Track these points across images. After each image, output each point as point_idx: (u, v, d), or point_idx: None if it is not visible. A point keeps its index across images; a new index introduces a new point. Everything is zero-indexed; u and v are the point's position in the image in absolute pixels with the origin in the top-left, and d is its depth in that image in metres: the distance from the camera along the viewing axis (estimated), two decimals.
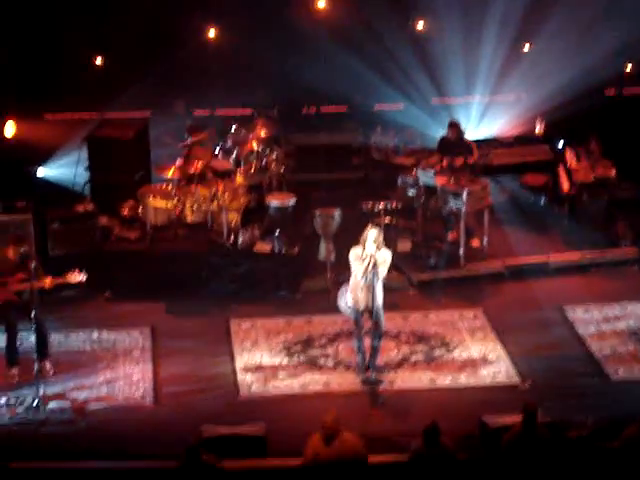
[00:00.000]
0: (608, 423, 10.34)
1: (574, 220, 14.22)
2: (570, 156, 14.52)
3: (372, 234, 11.18)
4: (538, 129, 15.17)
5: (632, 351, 11.86)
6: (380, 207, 13.40)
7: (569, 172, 14.44)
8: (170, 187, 13.52)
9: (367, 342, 11.47)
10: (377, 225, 11.97)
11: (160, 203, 13.50)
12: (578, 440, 10.03)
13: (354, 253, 11.24)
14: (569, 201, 14.39)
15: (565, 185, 14.43)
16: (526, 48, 15.90)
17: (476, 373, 11.61)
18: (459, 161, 13.72)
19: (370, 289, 11.14)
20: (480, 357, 11.88)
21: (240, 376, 11.64)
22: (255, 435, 10.08)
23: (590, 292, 13.06)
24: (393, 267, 11.66)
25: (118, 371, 11.74)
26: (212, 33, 15.88)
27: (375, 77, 15.38)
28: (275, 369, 11.75)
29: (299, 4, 15.51)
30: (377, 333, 11.40)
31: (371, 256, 11.10)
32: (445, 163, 13.80)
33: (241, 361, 11.90)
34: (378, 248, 11.18)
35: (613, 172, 14.26)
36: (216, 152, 14.07)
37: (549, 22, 15.31)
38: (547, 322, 12.43)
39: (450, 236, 13.75)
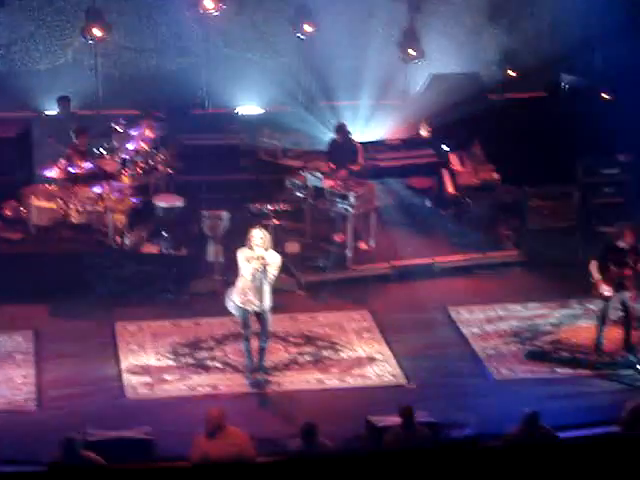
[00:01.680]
0: (490, 423, 10.57)
1: (458, 223, 14.47)
2: (454, 160, 14.78)
3: (258, 235, 11.19)
4: (423, 133, 15.38)
5: (514, 351, 12.12)
6: (268, 209, 13.42)
7: (453, 175, 14.69)
8: (54, 188, 13.29)
9: (255, 344, 11.48)
10: (264, 226, 11.99)
11: (44, 204, 13.26)
12: (460, 440, 10.21)
13: (242, 254, 11.24)
14: (453, 204, 14.63)
15: (450, 188, 14.68)
16: (411, 52, 16.12)
17: (363, 374, 11.72)
18: (344, 172, 13.84)
19: (258, 290, 11.16)
20: (367, 358, 11.99)
21: (126, 379, 11.51)
22: (141, 438, 9.98)
23: (474, 293, 13.30)
24: (282, 269, 11.68)
25: (0, 374, 11.49)
26: (98, 32, 15.66)
27: (262, 80, 15.39)
28: (162, 372, 11.65)
29: (186, 4, 15.41)
30: (265, 335, 11.42)
31: (260, 257, 11.12)
32: (332, 168, 13.92)
33: (127, 364, 11.77)
34: (266, 249, 11.20)
35: (496, 176, 14.56)
36: (102, 152, 13.88)
37: (433, 28, 15.54)
38: (432, 323, 12.62)
39: (338, 238, 13.86)
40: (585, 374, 11.67)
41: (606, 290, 11.55)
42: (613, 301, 11.70)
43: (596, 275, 11.58)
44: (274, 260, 11.26)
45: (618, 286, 11.58)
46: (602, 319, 11.79)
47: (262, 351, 11.44)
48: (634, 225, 11.78)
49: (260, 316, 11.34)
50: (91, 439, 9.60)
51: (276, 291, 11.76)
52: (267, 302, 11.27)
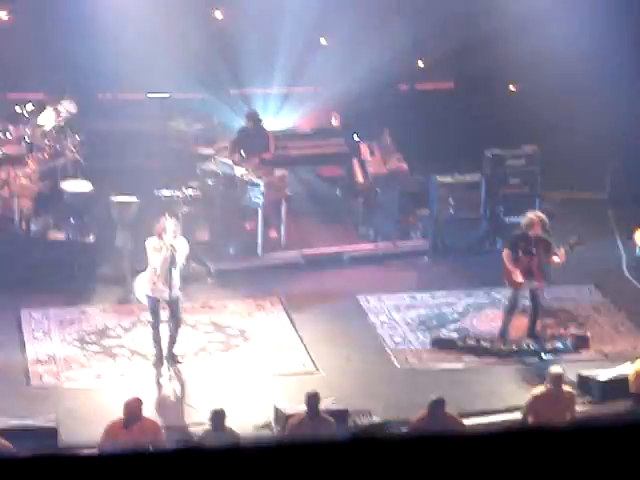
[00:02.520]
0: (397, 410, 10.69)
1: (368, 212, 14.56)
2: (364, 149, 14.86)
3: (169, 224, 11.13)
4: (334, 122, 15.42)
5: (421, 339, 12.25)
6: (179, 195, 13.33)
7: (363, 165, 14.77)
8: None
9: (165, 332, 11.41)
10: (174, 214, 11.91)
11: None
12: (366, 427, 10.31)
13: (151, 243, 11.16)
14: (363, 193, 14.72)
15: (360, 178, 14.76)
16: (323, 41, 16.14)
17: (273, 361, 11.73)
18: (255, 160, 13.81)
19: (167, 279, 11.10)
20: (276, 346, 12.01)
21: (31, 367, 11.34)
22: (46, 427, 9.86)
23: (383, 282, 13.41)
24: (191, 256, 11.64)
25: None
26: (3, 15, 15.36)
27: (173, 65, 15.24)
28: (68, 360, 11.52)
29: None
30: (175, 323, 11.36)
31: (169, 245, 11.05)
32: (239, 157, 13.87)
33: (32, 351, 11.59)
34: (175, 237, 11.15)
35: (405, 165, 14.69)
36: (7, 136, 13.61)
37: (345, 15, 15.56)
38: (342, 311, 12.69)
39: (248, 226, 13.83)
40: (490, 362, 11.86)
41: (519, 277, 11.75)
42: (521, 290, 11.91)
43: (509, 263, 11.77)
44: (182, 248, 11.21)
45: (526, 275, 11.79)
46: (510, 308, 12.00)
47: (172, 339, 11.38)
48: (541, 215, 12.00)
49: (170, 304, 11.28)
50: None
51: (186, 279, 11.71)
52: (176, 290, 11.21)
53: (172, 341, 11.42)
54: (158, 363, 11.39)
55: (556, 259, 11.74)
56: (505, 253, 11.86)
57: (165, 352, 11.38)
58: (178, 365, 11.40)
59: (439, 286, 13.27)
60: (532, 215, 11.92)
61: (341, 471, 3.73)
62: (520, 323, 12.20)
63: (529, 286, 11.89)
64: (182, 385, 11.25)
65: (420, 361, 11.88)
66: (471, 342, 12.05)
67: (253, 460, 3.65)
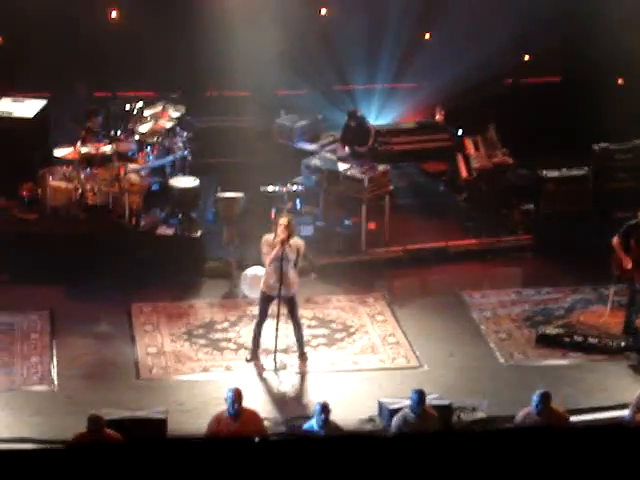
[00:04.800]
0: (502, 406, 10.63)
1: (472, 207, 14.48)
2: (468, 144, 14.78)
3: (283, 220, 11.24)
4: (438, 117, 15.36)
5: (526, 336, 12.16)
6: (283, 191, 13.46)
7: (467, 160, 14.69)
8: (71, 169, 13.36)
9: (269, 327, 11.54)
10: (288, 212, 12.03)
11: (60, 184, 13.33)
12: (470, 423, 10.28)
13: (266, 239, 11.29)
14: (467, 188, 14.64)
15: (464, 172, 14.68)
16: (427, 37, 16.10)
17: (376, 356, 11.78)
18: (345, 151, 13.88)
19: (284, 276, 11.19)
20: (380, 341, 12.05)
21: (141, 360, 11.60)
22: (155, 418, 10.08)
23: (487, 278, 13.34)
24: (304, 254, 11.74)
25: (16, 354, 11.61)
26: (114, 14, 15.71)
27: (278, 62, 15.38)
28: (177, 353, 11.75)
29: None
30: (293, 321, 11.44)
31: (282, 242, 11.15)
32: (344, 148, 13.96)
33: (142, 345, 11.86)
34: (290, 235, 11.24)
35: (510, 160, 14.56)
36: (118, 134, 13.93)
37: (449, 11, 15.50)
38: (445, 307, 12.66)
39: (352, 222, 13.88)
40: (598, 358, 11.71)
41: (629, 264, 11.56)
42: (633, 281, 11.71)
43: (619, 250, 11.60)
44: (298, 245, 11.32)
45: (637, 265, 11.61)
46: (629, 301, 11.81)
47: (298, 339, 11.45)
48: None
49: (288, 302, 11.38)
50: (107, 418, 9.70)
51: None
52: (291, 288, 11.31)
53: (299, 340, 11.50)
54: (253, 358, 11.50)
55: None
56: (615, 241, 11.70)
57: (298, 350, 11.47)
58: (284, 360, 11.48)
59: (544, 282, 13.13)
60: None
61: (447, 464, 3.76)
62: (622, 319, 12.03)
63: (638, 277, 11.68)
64: (287, 379, 11.36)
65: (525, 357, 11.79)
66: (578, 338, 11.91)
67: (359, 451, 3.71)
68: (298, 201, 13.51)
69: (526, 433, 3.76)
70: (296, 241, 11.31)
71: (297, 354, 11.52)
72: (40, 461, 4.01)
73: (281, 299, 11.30)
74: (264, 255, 11.27)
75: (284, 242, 11.12)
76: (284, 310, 11.43)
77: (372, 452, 3.90)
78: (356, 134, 14.22)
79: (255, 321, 11.60)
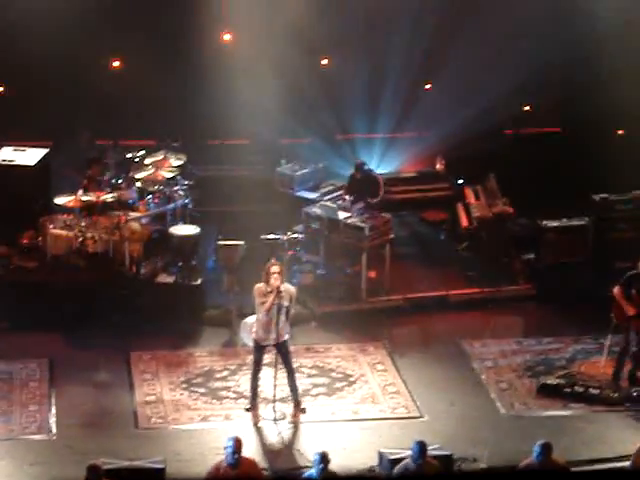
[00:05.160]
0: (503, 457, 10.55)
1: (472, 256, 14.49)
2: (469, 193, 14.82)
3: (275, 268, 11.24)
4: (438, 166, 15.43)
5: (527, 386, 12.10)
6: (284, 239, 13.48)
7: (468, 209, 14.72)
8: (71, 217, 13.39)
9: (266, 375, 11.48)
10: (279, 259, 12.04)
11: (60, 232, 13.34)
12: (473, 473, 10.20)
13: (258, 289, 11.27)
14: (468, 237, 14.65)
15: (464, 222, 14.71)
16: (427, 87, 16.22)
17: (376, 406, 11.72)
18: (360, 205, 13.90)
19: (276, 324, 11.17)
20: (380, 390, 12.00)
21: (140, 408, 11.54)
22: (154, 467, 10.01)
23: (488, 327, 13.29)
24: (296, 300, 11.73)
25: (14, 402, 11.55)
26: (117, 63, 15.83)
27: (280, 111, 15.48)
28: (175, 402, 11.69)
29: (205, 36, 15.55)
30: (287, 369, 11.41)
31: (275, 290, 11.14)
32: (348, 200, 13.99)
33: (141, 393, 11.80)
34: (282, 282, 11.24)
35: (510, 209, 14.59)
36: (119, 182, 13.97)
37: (449, 62, 15.63)
38: (446, 356, 12.62)
39: (353, 270, 13.87)
40: (599, 409, 11.64)
41: (631, 311, 11.56)
42: (632, 329, 11.70)
43: (620, 298, 11.60)
44: (290, 292, 11.30)
45: (637, 315, 11.61)
46: (621, 350, 11.80)
47: (292, 387, 11.41)
48: None
49: (280, 349, 11.35)
50: (106, 467, 9.63)
51: (291, 322, 11.78)
52: (283, 335, 11.29)
53: (293, 389, 11.45)
54: (252, 408, 11.43)
55: None
56: (617, 290, 11.70)
57: (292, 399, 11.42)
58: (301, 414, 11.42)
59: (546, 332, 13.10)
60: None
61: None
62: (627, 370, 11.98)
63: (637, 327, 11.67)
64: (286, 428, 11.29)
65: (526, 407, 11.73)
66: (579, 389, 11.85)
67: None
68: (299, 249, 13.53)
69: (527, 476, 3.72)
70: (288, 288, 11.30)
71: (292, 403, 11.46)
72: None
73: (274, 347, 11.27)
74: (258, 305, 11.24)
75: (279, 290, 11.11)
76: (279, 358, 11.39)
77: None
78: (363, 185, 14.26)
79: (251, 371, 11.54)
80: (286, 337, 11.34)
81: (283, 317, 11.24)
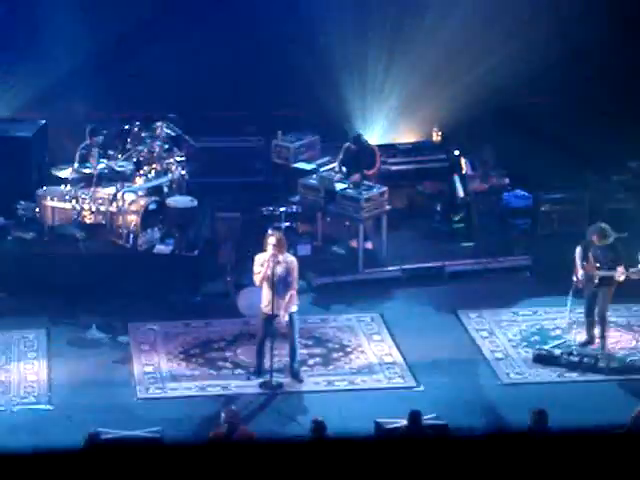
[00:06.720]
0: (499, 426, 10.63)
1: (469, 227, 14.51)
2: (465, 165, 14.83)
3: (272, 239, 11.27)
4: (435, 137, 15.42)
5: (523, 355, 12.17)
6: (281, 211, 13.49)
7: (464, 180, 14.74)
8: (69, 188, 13.40)
9: (267, 346, 11.55)
10: (279, 230, 12.06)
11: (58, 204, 13.36)
12: (470, 442, 10.27)
13: (259, 259, 11.31)
14: (464, 208, 14.67)
15: (460, 193, 14.72)
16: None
17: (372, 376, 11.79)
18: (357, 176, 13.90)
19: (278, 294, 11.21)
20: (377, 361, 12.06)
21: (137, 379, 11.60)
22: (152, 437, 10.07)
23: (484, 298, 13.35)
24: (297, 271, 11.75)
25: (12, 372, 11.61)
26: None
27: (275, 82, 15.43)
28: (173, 372, 11.74)
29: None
30: (289, 338, 11.45)
31: (276, 261, 11.17)
32: (344, 172, 13.97)
33: (139, 364, 11.86)
34: (282, 253, 11.27)
35: (507, 180, 14.60)
36: (116, 153, 13.96)
37: (446, 29, 15.48)
38: (442, 326, 12.68)
39: (350, 242, 13.91)
40: (594, 378, 11.72)
41: (578, 275, 11.81)
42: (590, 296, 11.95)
43: (577, 259, 11.85)
44: (289, 263, 11.34)
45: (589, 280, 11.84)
46: (586, 310, 12.08)
47: (291, 356, 11.48)
48: (601, 226, 11.92)
49: (278, 320, 11.37)
50: (105, 437, 9.69)
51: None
52: (283, 305, 11.32)
53: (292, 358, 11.51)
54: (256, 376, 11.52)
55: (616, 274, 11.65)
56: (577, 249, 11.82)
57: (291, 368, 11.49)
58: (298, 383, 11.49)
59: (541, 302, 13.15)
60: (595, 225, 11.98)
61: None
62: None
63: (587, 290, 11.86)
64: (283, 398, 11.36)
65: (522, 377, 11.80)
66: (574, 358, 11.93)
67: (353, 462, 3.73)
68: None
69: (523, 438, 3.78)
70: (287, 258, 11.34)
71: (290, 373, 11.52)
72: (42, 465, 4.04)
73: (275, 317, 11.33)
74: (255, 274, 11.31)
75: (274, 260, 11.15)
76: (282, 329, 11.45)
77: (369, 459, 3.92)
78: (359, 157, 14.24)
79: (256, 340, 11.61)
80: (290, 308, 11.38)
81: (284, 288, 11.26)
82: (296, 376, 11.52)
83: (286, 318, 11.34)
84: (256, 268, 11.31)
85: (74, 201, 13.28)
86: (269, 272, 11.18)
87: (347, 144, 14.34)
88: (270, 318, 11.36)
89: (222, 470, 3.55)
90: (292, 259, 11.42)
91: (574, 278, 11.96)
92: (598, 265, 11.83)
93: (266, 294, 11.31)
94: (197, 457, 3.56)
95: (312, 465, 3.63)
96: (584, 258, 11.92)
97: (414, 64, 15.48)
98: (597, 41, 15.05)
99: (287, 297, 11.30)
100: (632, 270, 11.80)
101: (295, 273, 11.36)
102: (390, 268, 13.73)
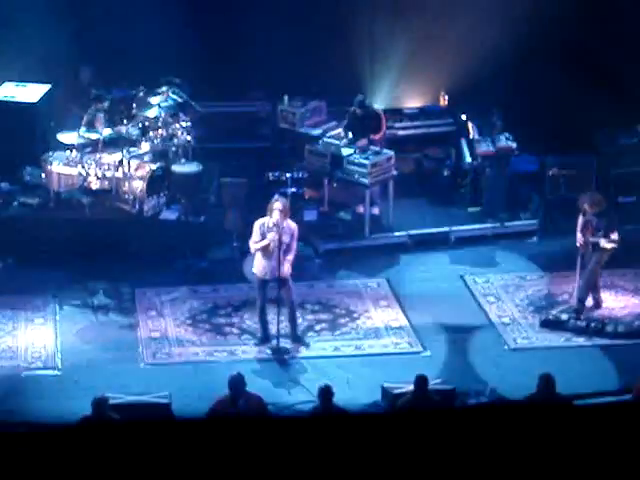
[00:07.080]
0: (506, 391, 10.64)
1: (476, 192, 14.46)
2: (472, 129, 14.74)
3: (278, 204, 11.25)
4: (442, 102, 15.32)
5: (530, 321, 12.16)
6: (286, 176, 13.45)
7: (471, 145, 14.66)
8: (75, 153, 13.37)
9: (270, 311, 11.55)
10: (283, 195, 12.03)
11: (64, 169, 13.33)
12: (476, 408, 10.28)
13: (260, 224, 11.30)
14: (471, 173, 14.61)
15: (467, 157, 14.65)
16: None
17: (379, 341, 11.79)
18: (363, 141, 13.82)
19: (277, 260, 11.21)
20: (383, 326, 12.06)
21: (145, 344, 11.62)
22: (159, 402, 10.11)
23: (491, 262, 13.33)
24: (299, 237, 11.75)
25: (20, 338, 11.64)
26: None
27: (282, 46, 15.31)
28: (180, 337, 11.76)
29: None
30: (288, 304, 11.47)
31: (277, 226, 11.17)
32: (350, 137, 13.90)
33: (146, 329, 11.88)
34: (285, 218, 11.26)
35: (514, 145, 14.52)
36: (122, 119, 13.90)
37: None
38: (449, 291, 12.67)
39: (357, 207, 13.87)
40: (601, 343, 11.71)
41: (580, 240, 11.86)
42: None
43: (579, 226, 11.87)
44: (292, 228, 11.32)
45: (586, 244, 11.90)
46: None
47: (291, 321, 11.49)
48: (593, 195, 12.05)
49: (282, 285, 11.39)
50: (112, 402, 9.71)
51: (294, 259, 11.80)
52: (285, 271, 11.33)
53: (292, 323, 11.53)
54: (263, 342, 11.53)
55: (602, 241, 11.72)
56: (580, 219, 11.90)
57: (293, 332, 11.49)
58: (303, 347, 11.50)
59: (548, 267, 13.12)
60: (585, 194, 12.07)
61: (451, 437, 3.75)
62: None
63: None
64: (289, 363, 11.38)
65: (529, 342, 11.80)
66: (581, 323, 11.92)
67: (359, 433, 3.72)
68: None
69: (530, 409, 3.77)
70: (289, 224, 11.32)
71: (292, 338, 11.52)
72: (46, 442, 4.05)
73: (275, 282, 11.32)
74: (252, 242, 11.29)
75: (280, 226, 11.13)
76: (282, 292, 11.45)
77: (376, 430, 3.91)
78: (364, 122, 14.15)
79: (257, 305, 11.62)
80: (286, 273, 11.36)
81: (283, 253, 11.26)
82: (300, 340, 11.53)
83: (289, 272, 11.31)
84: (255, 236, 11.29)
85: (80, 167, 13.24)
86: (276, 238, 11.15)
87: (352, 108, 14.25)
88: (266, 283, 11.36)
89: (229, 443, 3.54)
90: (294, 225, 11.41)
91: (577, 244, 11.96)
92: (594, 232, 11.82)
93: (260, 260, 11.29)
94: (203, 431, 3.56)
95: (319, 437, 3.62)
96: (584, 225, 11.91)
97: (420, 27, 15.34)
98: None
99: (285, 261, 11.26)
100: (604, 240, 11.78)
101: (295, 239, 11.38)
102: (397, 233, 13.70)
